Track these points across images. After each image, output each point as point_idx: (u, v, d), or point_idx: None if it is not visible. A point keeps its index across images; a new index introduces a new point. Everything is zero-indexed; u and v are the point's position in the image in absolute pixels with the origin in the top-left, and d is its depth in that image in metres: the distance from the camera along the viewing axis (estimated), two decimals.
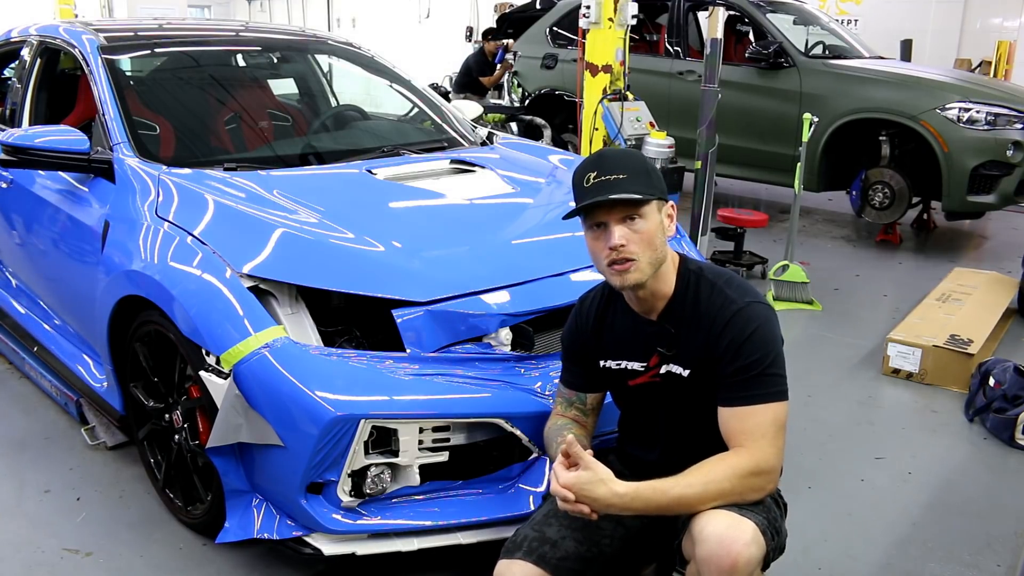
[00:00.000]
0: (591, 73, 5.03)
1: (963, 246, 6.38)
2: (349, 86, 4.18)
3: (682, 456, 1.71)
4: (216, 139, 3.26)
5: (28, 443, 3.07)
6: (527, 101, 7.72)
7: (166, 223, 2.52)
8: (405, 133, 3.78)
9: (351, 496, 2.11)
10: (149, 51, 3.45)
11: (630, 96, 5.09)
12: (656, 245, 1.73)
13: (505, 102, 8.75)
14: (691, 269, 1.82)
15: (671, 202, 1.79)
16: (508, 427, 2.15)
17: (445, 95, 7.55)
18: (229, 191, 2.62)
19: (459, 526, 2.17)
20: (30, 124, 3.44)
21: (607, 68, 4.97)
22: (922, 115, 5.53)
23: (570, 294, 2.10)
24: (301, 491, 2.09)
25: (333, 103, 4.03)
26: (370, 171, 2.91)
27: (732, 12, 6.57)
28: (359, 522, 2.12)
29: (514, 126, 7.49)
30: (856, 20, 11.93)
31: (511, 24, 8.50)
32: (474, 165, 3.10)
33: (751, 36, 6.90)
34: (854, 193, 6.03)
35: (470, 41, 11.35)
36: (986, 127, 5.43)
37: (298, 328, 2.22)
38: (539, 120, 7.05)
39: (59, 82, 3.77)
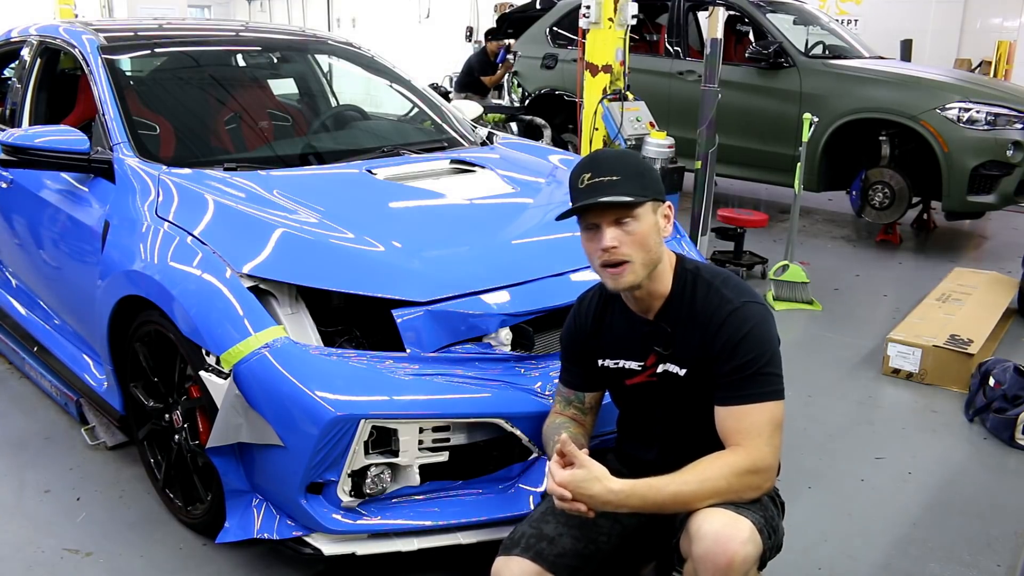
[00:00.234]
0: (591, 73, 5.02)
1: (963, 246, 6.38)
2: (349, 86, 4.19)
3: (680, 455, 1.72)
4: (216, 139, 3.26)
5: (28, 443, 3.07)
6: (527, 101, 7.72)
7: (166, 223, 2.52)
8: (405, 133, 3.78)
9: (351, 496, 2.11)
10: (149, 51, 3.45)
11: (630, 96, 5.09)
12: (650, 247, 1.73)
13: (505, 102, 8.75)
14: (688, 269, 1.82)
15: (668, 203, 1.79)
16: (508, 427, 2.15)
17: (445, 95, 7.54)
18: (229, 191, 2.62)
19: (459, 526, 2.17)
20: (30, 124, 3.44)
21: (607, 68, 4.97)
22: (922, 115, 5.53)
23: (570, 294, 2.10)
24: (301, 491, 2.09)
25: (333, 103, 4.03)
26: (370, 171, 2.91)
27: (732, 12, 6.57)
28: (359, 522, 2.12)
29: (514, 126, 7.49)
30: (856, 20, 11.93)
31: (511, 24, 8.49)
32: (474, 165, 3.10)
33: (751, 36, 6.90)
34: (854, 193, 6.03)
35: (470, 41, 11.35)
36: (986, 127, 5.43)
37: (298, 328, 2.22)
38: (539, 120, 7.05)
39: (59, 82, 3.77)
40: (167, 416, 2.54)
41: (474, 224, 2.70)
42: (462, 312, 2.23)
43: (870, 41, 7.27)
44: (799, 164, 4.84)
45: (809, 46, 6.54)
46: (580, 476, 1.61)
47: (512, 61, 8.08)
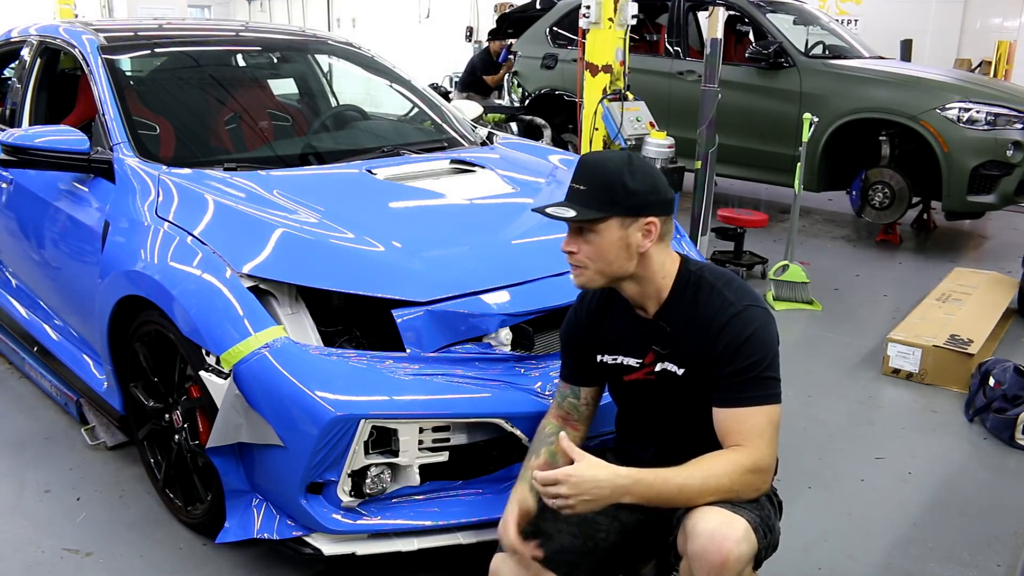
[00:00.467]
0: (591, 73, 5.02)
1: (963, 246, 6.38)
2: (349, 86, 4.19)
3: (676, 454, 1.72)
4: (216, 139, 3.26)
5: (28, 443, 3.07)
6: (527, 101, 7.72)
7: (166, 223, 2.52)
8: (405, 133, 3.78)
9: (351, 496, 2.11)
10: (149, 51, 3.45)
11: (630, 96, 5.08)
12: (608, 260, 1.74)
13: (505, 102, 8.76)
14: (691, 270, 1.82)
15: (650, 217, 1.74)
16: (508, 427, 2.15)
17: (445, 95, 7.55)
18: (229, 191, 2.63)
19: (459, 526, 2.17)
20: (30, 124, 3.44)
21: (607, 68, 4.96)
22: (922, 115, 5.53)
23: (570, 294, 2.10)
24: (301, 491, 2.09)
25: (333, 103, 4.03)
26: (370, 171, 2.91)
27: (732, 12, 6.57)
28: (359, 522, 2.12)
29: (514, 126, 7.49)
30: (856, 20, 11.93)
31: (511, 24, 8.49)
32: (474, 165, 3.10)
33: (751, 36, 6.90)
34: (854, 193, 6.03)
35: (470, 41, 11.36)
36: (986, 127, 5.43)
37: (298, 328, 2.22)
38: (539, 120, 7.05)
39: (59, 82, 3.77)
40: (167, 416, 2.54)
41: (474, 224, 2.70)
42: (462, 312, 2.23)
43: (870, 41, 7.26)
44: (799, 164, 4.84)
45: (809, 46, 6.54)
46: (585, 464, 1.60)
47: (512, 61, 8.08)
